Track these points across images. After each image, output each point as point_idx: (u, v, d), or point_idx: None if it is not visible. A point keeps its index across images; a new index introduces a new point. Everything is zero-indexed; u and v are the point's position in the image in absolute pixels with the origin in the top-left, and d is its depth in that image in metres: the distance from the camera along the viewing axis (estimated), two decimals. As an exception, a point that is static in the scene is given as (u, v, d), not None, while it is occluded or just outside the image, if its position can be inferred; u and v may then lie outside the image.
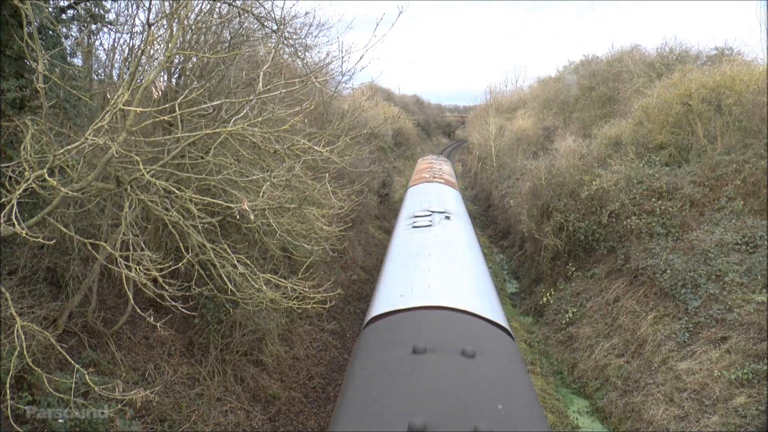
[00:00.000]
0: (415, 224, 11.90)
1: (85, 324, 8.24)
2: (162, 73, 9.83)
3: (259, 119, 6.09)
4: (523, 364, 6.09)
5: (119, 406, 6.55)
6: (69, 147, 5.17)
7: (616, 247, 15.28)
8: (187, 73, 10.36)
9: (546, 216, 18.16)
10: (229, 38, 10.45)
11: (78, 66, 8.60)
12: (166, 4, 8.35)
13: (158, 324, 5.96)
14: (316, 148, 6.51)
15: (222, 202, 6.19)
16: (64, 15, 8.18)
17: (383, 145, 34.78)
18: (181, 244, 6.54)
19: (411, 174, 30.51)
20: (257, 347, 11.06)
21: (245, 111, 6.03)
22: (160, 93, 10.38)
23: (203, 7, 9.39)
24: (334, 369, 12.67)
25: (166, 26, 7.28)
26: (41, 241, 4.93)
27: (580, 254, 16.83)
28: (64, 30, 8.16)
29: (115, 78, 9.64)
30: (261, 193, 6.47)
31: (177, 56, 8.64)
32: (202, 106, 7.23)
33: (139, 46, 8.66)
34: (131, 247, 5.71)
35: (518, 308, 18.42)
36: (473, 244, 11.55)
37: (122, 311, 8.79)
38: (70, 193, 5.18)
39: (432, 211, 13.23)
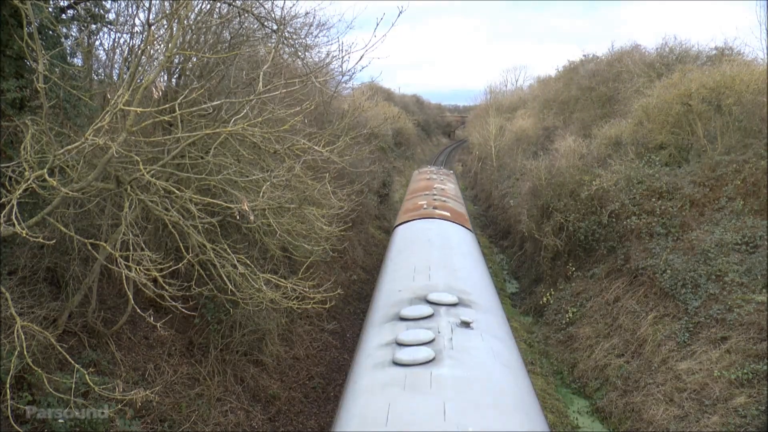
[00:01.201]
0: (400, 349, 5.72)
1: (85, 324, 8.24)
2: (162, 73, 9.83)
3: (259, 119, 6.09)
4: None
5: (119, 406, 6.55)
6: (69, 147, 5.17)
7: (616, 247, 15.28)
8: (187, 73, 10.36)
9: (546, 216, 18.16)
10: (229, 38, 10.45)
11: (78, 66, 8.60)
12: (166, 4, 8.36)
13: (158, 324, 5.96)
14: (316, 148, 6.51)
15: (222, 202, 6.20)
16: (64, 15, 8.18)
17: (383, 145, 34.79)
18: (181, 244, 6.54)
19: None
20: (257, 347, 11.06)
21: (245, 111, 6.03)
22: (160, 93, 10.38)
23: (203, 7, 9.40)
24: (334, 369, 12.67)
25: (166, 26, 7.29)
26: (41, 241, 4.93)
27: (580, 254, 16.83)
28: (64, 30, 8.16)
29: (115, 78, 9.65)
30: (261, 193, 6.47)
31: (177, 56, 8.64)
32: (202, 106, 7.23)
33: (139, 46, 8.66)
34: (131, 247, 5.71)
35: (518, 308, 18.43)
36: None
37: (122, 311, 8.79)
38: (70, 193, 5.18)
39: (434, 303, 6.94)
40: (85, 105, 7.53)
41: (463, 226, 13.08)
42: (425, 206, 14.42)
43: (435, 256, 9.60)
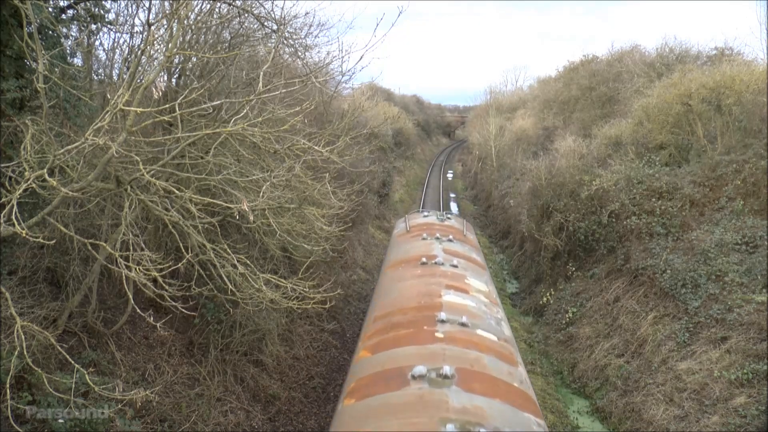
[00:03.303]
0: None
1: (85, 324, 8.24)
2: (162, 73, 9.82)
3: (259, 119, 6.09)
4: None
5: (119, 406, 6.55)
6: (69, 147, 5.17)
7: (616, 247, 15.28)
8: (187, 73, 10.35)
9: (546, 216, 18.16)
10: (229, 38, 10.45)
11: (78, 66, 8.61)
12: (166, 4, 8.36)
13: (158, 324, 5.95)
14: (316, 148, 6.51)
15: (222, 202, 6.19)
16: (64, 15, 8.18)
17: (383, 145, 34.72)
18: (181, 244, 6.53)
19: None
20: (257, 347, 11.06)
21: (245, 111, 6.03)
22: (160, 93, 10.38)
23: (203, 7, 9.39)
24: (334, 369, 12.67)
25: (166, 26, 7.28)
26: (41, 241, 4.92)
27: (580, 254, 16.83)
28: (64, 30, 8.17)
29: (115, 78, 9.65)
30: (261, 193, 6.46)
31: (177, 56, 8.64)
32: (202, 106, 7.22)
33: (139, 46, 8.66)
34: (131, 247, 5.70)
35: (518, 308, 18.43)
36: None
37: (122, 311, 8.79)
38: (70, 193, 5.18)
39: None
40: (85, 105, 7.53)
41: None
42: (417, 364, 5.40)
43: None
